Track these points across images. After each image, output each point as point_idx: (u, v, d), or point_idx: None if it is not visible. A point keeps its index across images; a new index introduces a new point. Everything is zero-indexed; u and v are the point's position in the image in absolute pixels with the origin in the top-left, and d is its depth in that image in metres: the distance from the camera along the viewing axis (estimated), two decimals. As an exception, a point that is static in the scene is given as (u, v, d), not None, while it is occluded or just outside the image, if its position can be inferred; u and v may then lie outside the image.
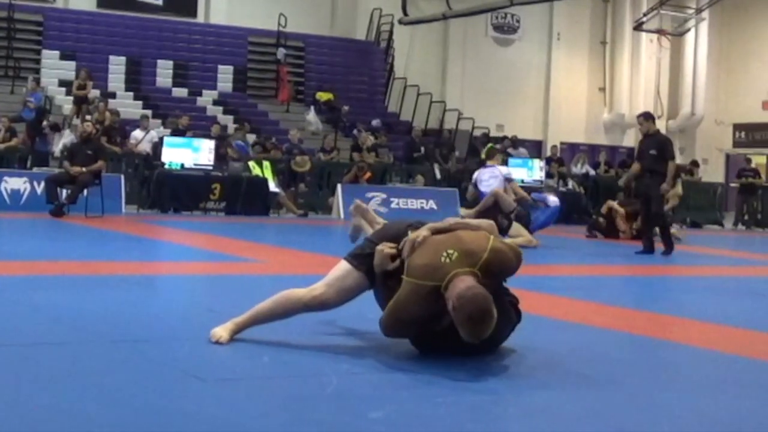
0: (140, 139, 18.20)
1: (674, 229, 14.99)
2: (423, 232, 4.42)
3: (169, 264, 9.32)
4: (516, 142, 23.23)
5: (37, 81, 20.79)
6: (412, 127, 23.42)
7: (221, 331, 4.49)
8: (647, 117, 12.46)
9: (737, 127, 31.33)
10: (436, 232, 4.44)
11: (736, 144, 31.31)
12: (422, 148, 21.43)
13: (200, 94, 23.41)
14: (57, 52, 22.57)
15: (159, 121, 20.59)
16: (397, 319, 4.31)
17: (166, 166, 16.47)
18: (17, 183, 15.39)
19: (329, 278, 4.54)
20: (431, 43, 27.60)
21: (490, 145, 22.27)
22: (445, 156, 21.76)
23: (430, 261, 4.24)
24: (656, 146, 12.08)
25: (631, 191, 14.88)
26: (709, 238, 16.32)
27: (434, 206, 18.33)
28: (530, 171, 18.99)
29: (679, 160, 26.47)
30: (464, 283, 4.09)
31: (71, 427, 3.13)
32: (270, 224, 15.71)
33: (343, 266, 4.56)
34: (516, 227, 11.99)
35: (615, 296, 7.80)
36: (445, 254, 4.23)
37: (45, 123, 18.20)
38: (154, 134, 18.47)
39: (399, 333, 4.44)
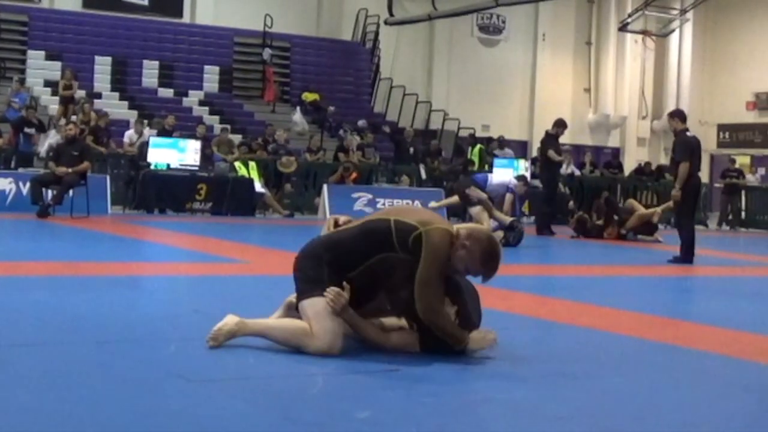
0: (135, 141, 18.15)
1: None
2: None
3: (154, 265, 9.32)
4: (503, 143, 23.26)
5: (22, 81, 20.73)
6: (401, 128, 23.43)
7: (229, 325, 4.41)
8: (671, 115, 11.69)
9: (721, 128, 31.44)
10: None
11: (721, 144, 31.43)
12: (411, 149, 21.46)
13: (186, 95, 23.33)
14: (42, 52, 22.46)
15: (145, 122, 20.52)
16: (439, 265, 4.38)
17: (152, 167, 16.43)
18: (2, 183, 15.31)
19: (325, 326, 4.35)
20: (417, 43, 27.61)
21: (479, 146, 22.35)
22: (433, 157, 21.79)
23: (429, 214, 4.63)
24: (673, 147, 11.60)
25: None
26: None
27: (420, 206, 18.32)
28: (516, 171, 19.00)
29: (664, 160, 26.67)
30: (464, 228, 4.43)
31: (58, 428, 3.14)
32: (256, 225, 15.69)
33: (321, 304, 4.37)
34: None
35: (600, 296, 7.82)
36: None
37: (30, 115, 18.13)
38: (146, 134, 18.39)
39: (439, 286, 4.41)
